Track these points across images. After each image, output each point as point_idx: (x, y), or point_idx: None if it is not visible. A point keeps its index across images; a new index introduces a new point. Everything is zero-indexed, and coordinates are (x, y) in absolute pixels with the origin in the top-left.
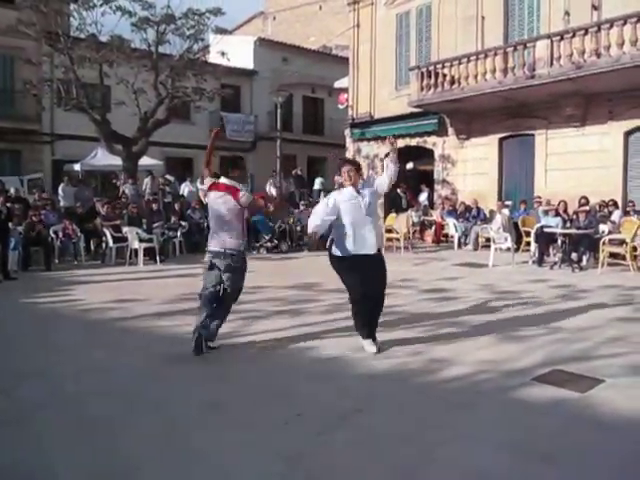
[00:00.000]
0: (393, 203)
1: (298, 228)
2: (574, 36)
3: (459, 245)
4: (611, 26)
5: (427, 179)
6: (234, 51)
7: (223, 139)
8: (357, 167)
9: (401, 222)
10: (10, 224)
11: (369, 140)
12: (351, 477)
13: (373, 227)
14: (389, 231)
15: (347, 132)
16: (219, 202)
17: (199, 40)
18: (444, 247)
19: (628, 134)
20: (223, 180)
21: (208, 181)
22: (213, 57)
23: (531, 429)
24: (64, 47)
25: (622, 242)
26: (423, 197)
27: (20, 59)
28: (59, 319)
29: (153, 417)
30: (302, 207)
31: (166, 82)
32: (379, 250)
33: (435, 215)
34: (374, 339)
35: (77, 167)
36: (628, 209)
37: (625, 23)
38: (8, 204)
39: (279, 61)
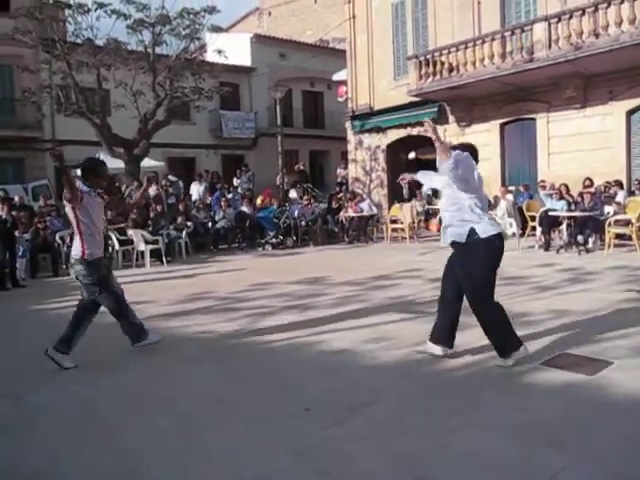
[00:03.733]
0: (395, 194)
1: (302, 223)
2: (571, 17)
3: None
4: (609, 5)
5: (430, 168)
6: (231, 49)
7: (221, 137)
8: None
9: (405, 212)
10: (16, 232)
11: (370, 131)
12: (360, 470)
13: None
14: (394, 221)
15: (348, 124)
16: (99, 208)
17: (195, 39)
18: None
19: (630, 113)
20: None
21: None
22: (210, 56)
23: (540, 414)
24: (61, 53)
25: (628, 222)
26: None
27: (18, 67)
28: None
29: (164, 416)
30: (305, 202)
31: (164, 83)
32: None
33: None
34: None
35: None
36: (633, 188)
37: (623, 1)
38: (13, 212)
39: (276, 57)
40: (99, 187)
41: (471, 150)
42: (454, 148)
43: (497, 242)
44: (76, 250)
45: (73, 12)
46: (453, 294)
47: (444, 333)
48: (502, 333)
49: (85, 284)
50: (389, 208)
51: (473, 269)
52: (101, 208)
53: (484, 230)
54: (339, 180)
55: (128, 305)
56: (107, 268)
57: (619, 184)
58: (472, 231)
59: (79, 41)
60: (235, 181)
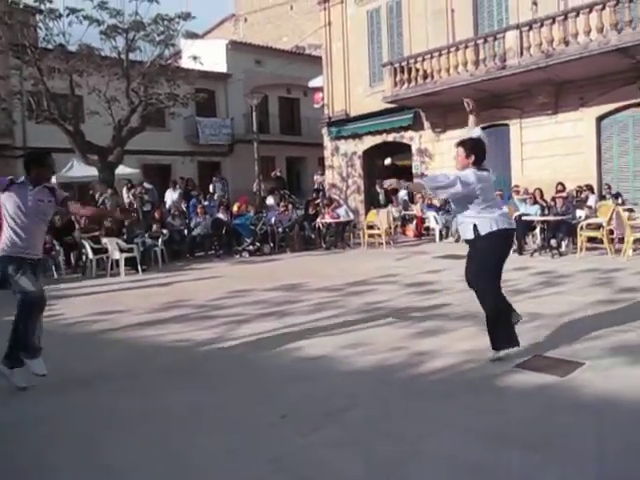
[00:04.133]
0: (372, 200)
1: (279, 229)
2: (542, 25)
3: (440, 238)
4: (578, 14)
5: (406, 174)
6: (207, 55)
7: (197, 144)
8: (466, 149)
9: (382, 218)
10: None
11: (346, 138)
12: (337, 476)
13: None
14: (370, 227)
15: (324, 131)
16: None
17: (170, 46)
18: (426, 240)
19: (600, 119)
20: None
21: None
22: (185, 62)
23: (515, 416)
24: (32, 59)
25: (599, 226)
26: (403, 192)
27: None
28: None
29: (139, 427)
30: (282, 208)
31: (139, 89)
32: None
33: (415, 209)
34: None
35: (53, 180)
36: (604, 193)
37: (591, 11)
38: None
39: (252, 63)
40: (44, 178)
41: (478, 142)
42: (462, 142)
43: (499, 235)
44: None
45: (44, 17)
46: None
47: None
48: (502, 327)
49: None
50: (366, 214)
51: (481, 263)
52: (44, 207)
53: (485, 227)
54: (316, 186)
55: (34, 322)
56: (17, 266)
57: (590, 188)
58: (475, 228)
59: (50, 47)
60: (211, 188)
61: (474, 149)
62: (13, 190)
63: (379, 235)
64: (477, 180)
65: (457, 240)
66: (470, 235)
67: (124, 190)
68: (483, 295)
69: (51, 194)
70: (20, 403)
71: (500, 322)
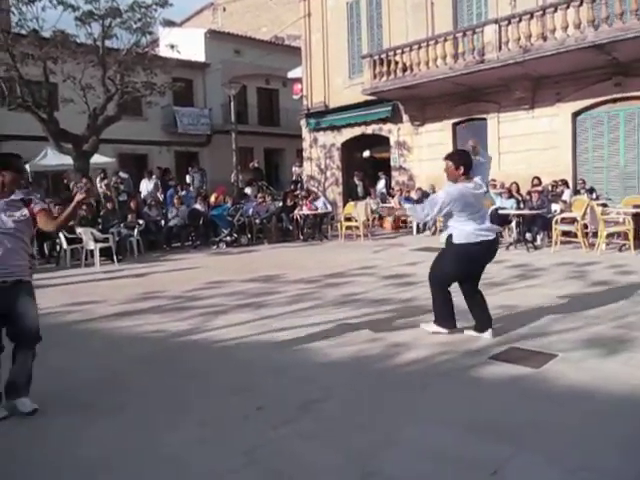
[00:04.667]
0: (350, 192)
1: (257, 221)
2: (521, 20)
3: (418, 230)
4: (555, 10)
5: (384, 166)
6: (185, 44)
7: (174, 134)
8: (455, 161)
9: (360, 210)
10: None
11: (325, 130)
12: (311, 467)
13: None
14: (348, 219)
15: (303, 122)
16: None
17: (147, 33)
18: (403, 233)
19: (575, 115)
20: None
21: None
22: (163, 51)
23: (489, 407)
24: (4, 44)
25: (573, 220)
26: (381, 184)
27: None
28: None
29: (114, 419)
30: (259, 199)
31: (115, 77)
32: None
33: (393, 202)
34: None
35: (27, 168)
36: (579, 188)
37: (568, 7)
38: None
39: (231, 53)
40: (15, 186)
41: (464, 153)
42: (449, 156)
43: (467, 248)
44: None
45: (17, 1)
46: (470, 288)
47: (479, 320)
48: (440, 311)
49: None
50: (344, 206)
51: (443, 262)
52: (15, 224)
53: (459, 237)
54: (294, 178)
55: None
56: None
57: (565, 183)
58: (450, 236)
59: (24, 32)
60: (188, 178)
61: (461, 160)
62: None
63: (357, 227)
64: (461, 196)
65: (434, 233)
66: (445, 239)
67: (97, 180)
68: (432, 279)
69: (23, 205)
70: None
71: (439, 303)
